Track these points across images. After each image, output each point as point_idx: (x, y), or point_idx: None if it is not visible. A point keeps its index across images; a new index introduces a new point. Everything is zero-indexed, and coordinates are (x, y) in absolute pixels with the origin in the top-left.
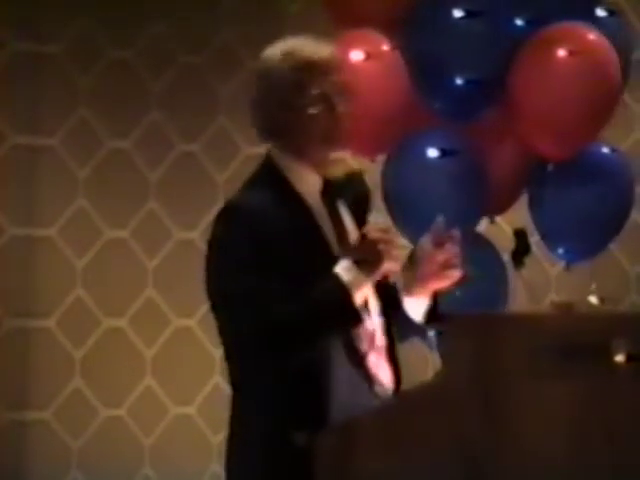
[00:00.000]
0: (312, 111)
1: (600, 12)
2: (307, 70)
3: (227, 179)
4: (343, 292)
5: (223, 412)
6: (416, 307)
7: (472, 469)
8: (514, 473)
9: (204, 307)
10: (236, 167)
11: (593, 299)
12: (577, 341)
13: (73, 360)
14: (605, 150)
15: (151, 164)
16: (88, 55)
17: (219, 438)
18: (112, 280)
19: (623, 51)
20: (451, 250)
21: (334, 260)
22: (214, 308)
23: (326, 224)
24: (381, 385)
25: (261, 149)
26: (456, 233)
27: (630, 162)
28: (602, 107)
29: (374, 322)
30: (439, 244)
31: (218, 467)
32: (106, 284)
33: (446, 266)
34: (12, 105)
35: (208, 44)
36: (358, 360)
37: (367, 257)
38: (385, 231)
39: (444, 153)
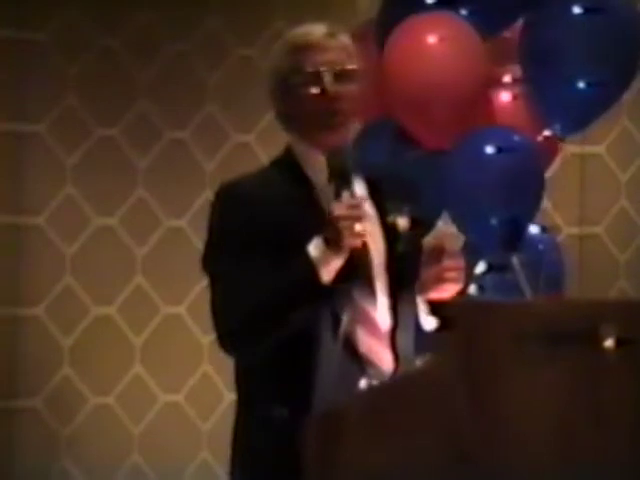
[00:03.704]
0: (306, 91)
1: None
2: (301, 51)
3: (216, 166)
4: (309, 268)
5: (212, 400)
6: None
7: (460, 455)
8: (502, 459)
9: (193, 294)
10: (225, 154)
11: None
12: (565, 327)
13: (62, 348)
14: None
15: (139, 152)
16: (75, 43)
17: (208, 425)
18: (101, 268)
19: None
20: (453, 262)
21: None
22: None
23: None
24: (378, 368)
25: (249, 136)
26: (459, 243)
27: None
28: (471, 94)
29: (379, 302)
30: (439, 251)
31: (207, 454)
32: (95, 272)
33: (445, 278)
34: None
35: (195, 31)
36: (348, 343)
37: (330, 235)
38: (353, 207)
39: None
